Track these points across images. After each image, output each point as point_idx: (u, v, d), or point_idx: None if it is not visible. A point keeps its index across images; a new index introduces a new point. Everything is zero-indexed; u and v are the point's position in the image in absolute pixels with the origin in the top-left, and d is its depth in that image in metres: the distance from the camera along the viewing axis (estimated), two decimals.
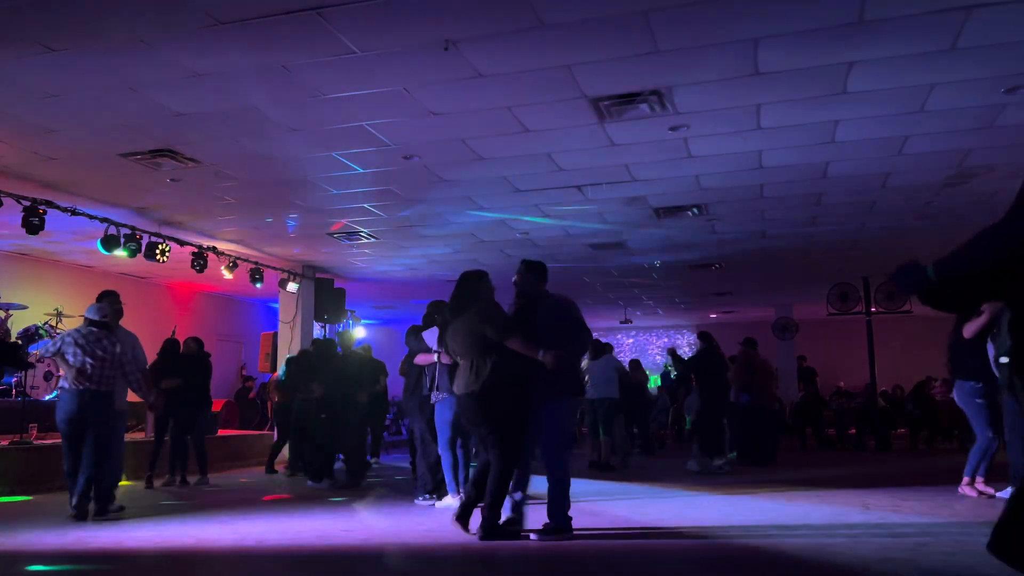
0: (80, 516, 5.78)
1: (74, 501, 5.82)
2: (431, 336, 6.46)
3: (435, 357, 6.34)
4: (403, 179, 7.90)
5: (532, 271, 5.19)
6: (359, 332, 15.48)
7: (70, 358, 5.80)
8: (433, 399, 6.40)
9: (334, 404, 8.14)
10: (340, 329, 9.95)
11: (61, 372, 6.04)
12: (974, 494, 6.52)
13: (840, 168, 7.68)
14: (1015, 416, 6.28)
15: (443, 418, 6.27)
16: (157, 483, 8.34)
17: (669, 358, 10.61)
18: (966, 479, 6.68)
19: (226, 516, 6.20)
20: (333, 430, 8.14)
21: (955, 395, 6.78)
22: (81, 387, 5.77)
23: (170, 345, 8.71)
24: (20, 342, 9.01)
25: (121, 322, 6.49)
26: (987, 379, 6.30)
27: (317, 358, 8.60)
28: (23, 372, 9.64)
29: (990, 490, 6.58)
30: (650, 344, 22.33)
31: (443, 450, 6.34)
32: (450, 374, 5.92)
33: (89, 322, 6.02)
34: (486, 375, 4.86)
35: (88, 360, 5.79)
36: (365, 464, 8.27)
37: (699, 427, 9.90)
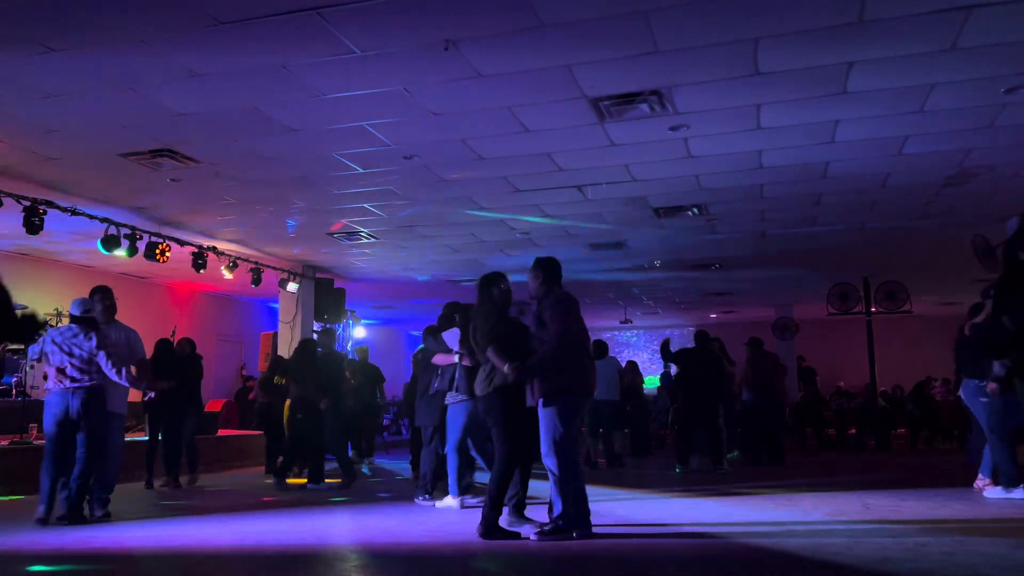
0: (74, 519, 5.56)
1: (64, 506, 5.57)
2: (451, 337, 6.42)
3: (455, 358, 6.25)
4: (403, 179, 7.90)
5: (536, 270, 5.10)
6: (359, 332, 15.46)
7: (51, 358, 5.69)
8: (449, 400, 6.33)
9: (308, 405, 8.05)
10: (320, 328, 9.73)
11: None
12: (994, 492, 6.52)
13: (840, 168, 7.68)
14: (998, 414, 6.35)
15: (456, 421, 6.23)
16: (156, 483, 8.32)
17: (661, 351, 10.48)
18: (986, 479, 6.72)
19: (226, 516, 6.20)
20: (309, 431, 8.07)
21: (961, 393, 6.83)
22: (64, 386, 5.63)
23: (163, 345, 8.62)
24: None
25: (122, 322, 6.46)
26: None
27: (295, 358, 8.49)
28: (23, 370, 9.64)
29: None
30: (650, 345, 22.33)
31: (450, 451, 6.31)
32: (469, 376, 5.90)
33: (72, 318, 5.86)
34: (483, 378, 5.02)
35: (66, 358, 5.66)
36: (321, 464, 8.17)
37: (678, 432, 9.87)
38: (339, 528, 5.57)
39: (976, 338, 3.02)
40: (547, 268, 5.07)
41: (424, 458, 6.84)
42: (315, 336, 9.34)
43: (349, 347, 14.33)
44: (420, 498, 6.64)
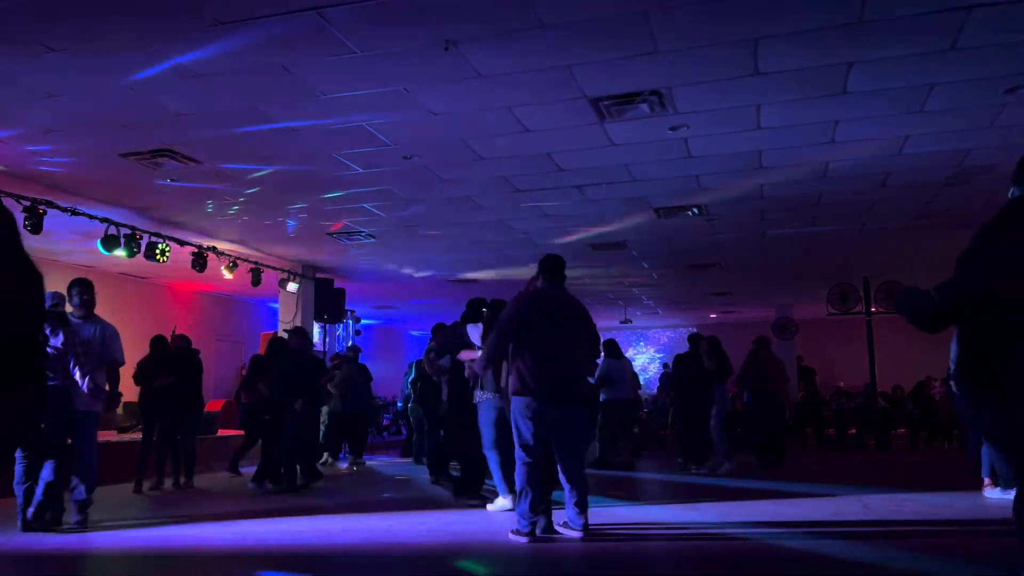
0: (39, 525, 5.35)
1: (31, 511, 5.38)
2: (474, 332, 6.35)
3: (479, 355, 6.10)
4: (403, 179, 7.90)
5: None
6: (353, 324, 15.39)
7: None
8: (477, 399, 6.24)
9: (278, 406, 7.88)
10: (287, 326, 9.38)
11: None
12: (994, 492, 6.51)
13: (840, 168, 7.67)
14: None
15: (487, 419, 6.16)
16: (145, 486, 8.13)
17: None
18: (987, 479, 6.72)
19: (226, 516, 6.20)
20: (276, 431, 7.91)
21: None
22: None
23: (158, 342, 8.49)
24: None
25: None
26: None
27: (264, 358, 8.23)
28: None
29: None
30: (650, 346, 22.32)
31: (488, 450, 6.20)
32: (494, 374, 5.87)
33: None
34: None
35: None
36: (278, 466, 7.96)
37: (677, 431, 10.12)
38: (340, 527, 5.57)
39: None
40: (540, 265, 5.18)
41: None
42: (286, 335, 8.98)
43: (349, 345, 14.37)
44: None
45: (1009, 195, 2.99)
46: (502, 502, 6.09)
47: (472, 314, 6.65)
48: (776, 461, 9.83)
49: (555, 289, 5.11)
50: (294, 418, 7.93)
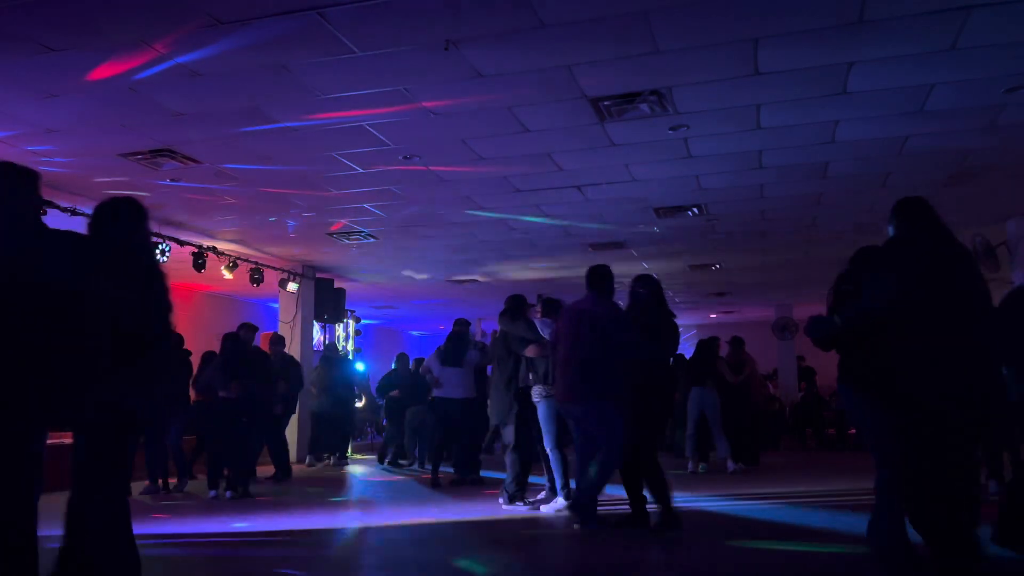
0: None
1: None
2: (544, 326, 6.37)
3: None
4: (403, 179, 7.90)
5: None
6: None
7: None
8: (536, 397, 6.22)
9: (251, 406, 7.72)
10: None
11: None
12: (992, 487, 6.51)
13: (840, 168, 7.68)
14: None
15: (551, 416, 6.11)
16: (136, 489, 8.01)
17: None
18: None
19: (225, 516, 6.20)
20: (233, 435, 7.68)
21: None
22: None
23: None
24: None
25: None
26: None
27: (223, 356, 7.98)
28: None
29: None
30: None
31: (551, 449, 6.18)
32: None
33: None
34: None
35: None
36: (241, 473, 7.78)
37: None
38: (339, 528, 5.58)
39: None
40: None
41: (508, 461, 6.55)
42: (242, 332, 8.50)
43: (351, 345, 14.34)
44: (502, 500, 6.49)
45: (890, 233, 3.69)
46: (560, 502, 6.10)
47: (516, 310, 6.71)
48: (750, 460, 9.80)
49: (587, 299, 5.60)
50: (262, 417, 7.99)
